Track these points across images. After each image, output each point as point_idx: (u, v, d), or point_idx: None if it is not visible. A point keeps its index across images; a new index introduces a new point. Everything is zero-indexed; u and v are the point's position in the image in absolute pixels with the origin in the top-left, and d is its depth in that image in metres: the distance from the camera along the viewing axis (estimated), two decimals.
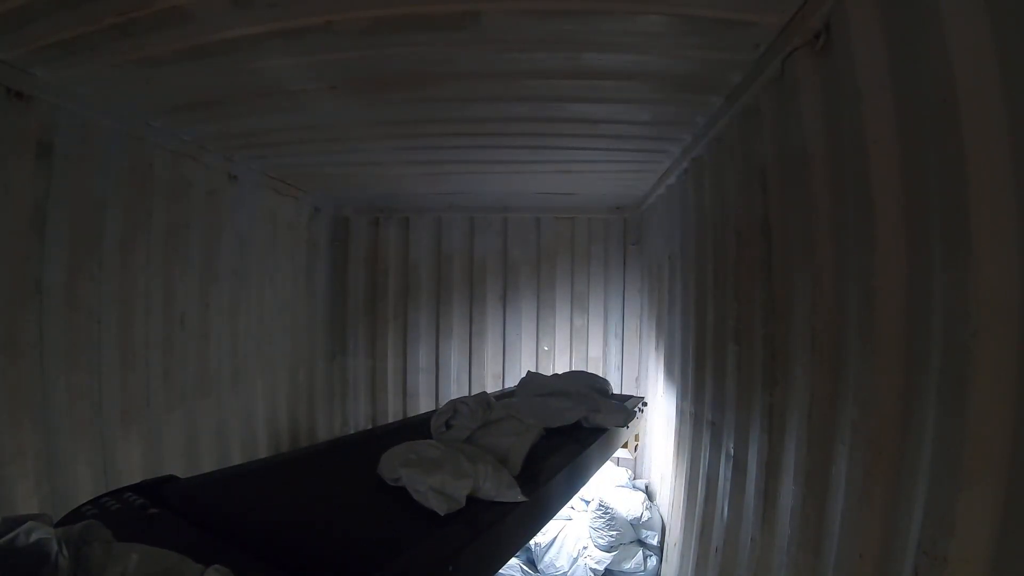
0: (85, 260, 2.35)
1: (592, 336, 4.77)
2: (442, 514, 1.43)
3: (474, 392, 3.41)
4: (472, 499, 1.53)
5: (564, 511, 3.38)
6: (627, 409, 2.94)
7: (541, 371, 4.18)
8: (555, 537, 3.65)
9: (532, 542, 3.58)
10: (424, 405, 4.73)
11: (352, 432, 4.72)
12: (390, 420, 4.73)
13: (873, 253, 1.33)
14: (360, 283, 4.92)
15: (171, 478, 1.66)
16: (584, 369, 4.30)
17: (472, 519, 1.49)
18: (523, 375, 3.41)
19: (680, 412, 3.21)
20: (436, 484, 1.47)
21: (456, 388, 4.78)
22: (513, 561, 3.49)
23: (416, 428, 2.11)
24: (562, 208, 4.65)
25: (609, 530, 3.57)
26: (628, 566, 3.58)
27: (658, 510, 3.76)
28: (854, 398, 1.40)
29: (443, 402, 2.20)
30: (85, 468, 2.30)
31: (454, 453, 1.66)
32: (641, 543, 3.66)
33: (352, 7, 1.73)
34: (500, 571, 1.89)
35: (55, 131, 2.16)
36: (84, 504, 1.43)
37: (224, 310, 3.34)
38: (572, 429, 2.50)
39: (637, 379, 4.64)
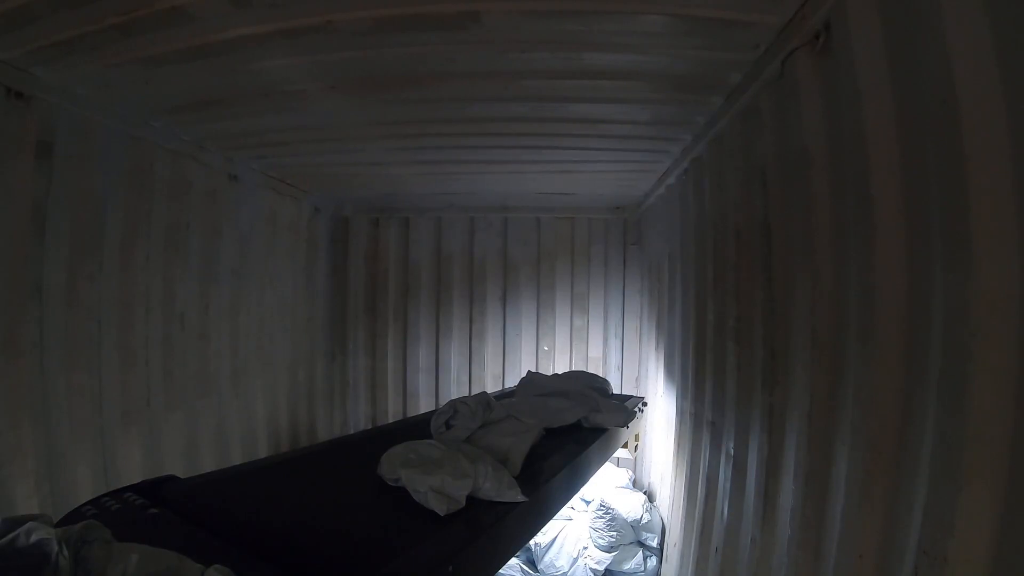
0: (85, 260, 2.35)
1: (592, 336, 4.76)
2: (442, 514, 1.43)
3: (474, 392, 3.41)
4: (472, 499, 1.53)
5: (564, 511, 3.38)
6: (627, 409, 2.94)
7: (541, 371, 4.18)
8: (555, 537, 3.65)
9: (532, 542, 3.57)
10: (424, 405, 4.73)
11: (352, 432, 4.72)
12: (390, 420, 4.74)
13: (873, 253, 1.33)
14: (360, 283, 4.92)
15: (171, 478, 1.66)
16: (584, 369, 4.30)
17: (472, 519, 1.49)
18: (523, 375, 3.41)
19: (680, 412, 3.21)
20: (436, 484, 1.47)
21: (456, 388, 4.78)
22: (513, 561, 3.49)
23: (416, 428, 2.10)
24: (562, 208, 4.65)
25: (609, 530, 3.57)
26: (628, 566, 3.58)
27: (658, 512, 3.76)
28: (854, 398, 1.40)
29: (443, 402, 2.19)
30: (85, 468, 2.31)
31: (454, 453, 1.66)
32: (641, 544, 3.66)
33: (352, 7, 1.73)
34: (500, 571, 1.89)
35: (55, 131, 2.16)
36: (84, 504, 1.43)
37: (224, 310, 3.34)
38: (572, 429, 2.50)
39: (637, 379, 4.64)
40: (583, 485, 2.46)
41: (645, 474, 4.28)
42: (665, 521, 3.60)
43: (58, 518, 1.22)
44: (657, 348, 3.96)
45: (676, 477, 3.25)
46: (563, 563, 3.60)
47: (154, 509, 1.40)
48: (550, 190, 4.21)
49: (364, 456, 1.75)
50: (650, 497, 3.97)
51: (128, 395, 2.58)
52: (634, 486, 4.21)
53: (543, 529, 3.18)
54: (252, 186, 3.55)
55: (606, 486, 3.85)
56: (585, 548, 3.62)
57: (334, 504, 1.53)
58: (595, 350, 4.77)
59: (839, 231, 1.52)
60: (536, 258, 4.77)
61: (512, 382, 4.23)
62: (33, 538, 0.95)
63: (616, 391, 3.84)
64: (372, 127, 2.82)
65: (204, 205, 3.09)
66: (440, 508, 1.43)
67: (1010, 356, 1.00)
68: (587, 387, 2.96)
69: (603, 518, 3.60)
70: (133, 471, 2.46)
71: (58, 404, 2.21)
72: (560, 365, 4.69)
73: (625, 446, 3.34)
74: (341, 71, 2.16)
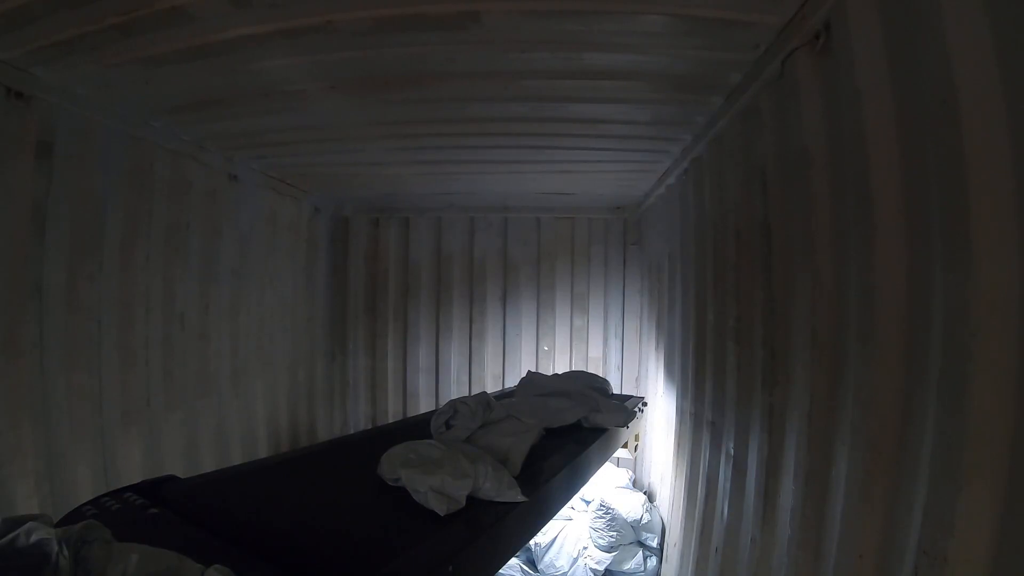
0: (85, 260, 2.35)
1: (592, 336, 4.77)
2: (442, 514, 1.43)
3: (474, 392, 3.41)
4: (472, 499, 1.53)
5: (564, 511, 3.38)
6: (627, 409, 2.94)
7: (541, 371, 4.18)
8: (555, 537, 3.65)
9: (532, 542, 3.57)
10: (424, 405, 4.73)
11: (352, 432, 4.72)
12: (390, 420, 4.74)
13: (873, 253, 1.33)
14: (360, 283, 4.93)
15: (171, 478, 1.66)
16: (584, 369, 4.30)
17: (472, 519, 1.49)
18: (523, 375, 3.41)
19: (680, 412, 3.21)
20: (436, 484, 1.47)
21: (456, 388, 4.78)
22: (513, 561, 3.49)
23: (416, 428, 2.10)
24: (562, 208, 4.65)
25: (609, 530, 3.57)
26: (628, 566, 3.58)
27: (658, 512, 3.76)
28: (854, 398, 1.40)
29: (443, 402, 2.19)
30: (85, 468, 2.30)
31: (454, 453, 1.66)
32: (641, 544, 3.66)
33: (352, 7, 1.73)
34: (500, 571, 1.89)
35: (55, 131, 2.16)
36: (84, 504, 1.43)
37: (224, 310, 3.34)
38: (572, 429, 2.50)
39: (637, 379, 4.64)
40: (583, 485, 2.46)
41: (645, 474, 4.28)
42: (665, 521, 3.60)
43: (58, 518, 1.22)
44: (657, 348, 3.96)
45: (676, 477, 3.25)
46: (563, 563, 3.60)
47: (154, 509, 1.40)
48: (550, 190, 4.21)
49: (364, 456, 1.75)
50: (650, 497, 3.97)
51: (128, 395, 2.58)
52: (634, 486, 4.21)
53: (543, 529, 3.18)
54: (252, 186, 3.55)
55: (606, 486, 3.85)
56: (585, 548, 3.62)
57: (334, 504, 1.53)
58: (595, 350, 4.77)
59: (839, 231, 1.52)
60: (536, 258, 4.77)
61: (512, 382, 4.22)
62: (33, 538, 0.95)
63: (616, 391, 3.84)
64: (372, 127, 2.82)
65: (204, 205, 3.09)
66: (440, 508, 1.43)
67: (1010, 356, 1.00)
68: (587, 387, 2.96)
69: (603, 518, 3.60)
70: (133, 471, 2.46)
71: (58, 404, 2.21)
72: (560, 365, 4.69)
73: (625, 446, 3.34)
74: (341, 71, 2.16)
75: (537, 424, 2.12)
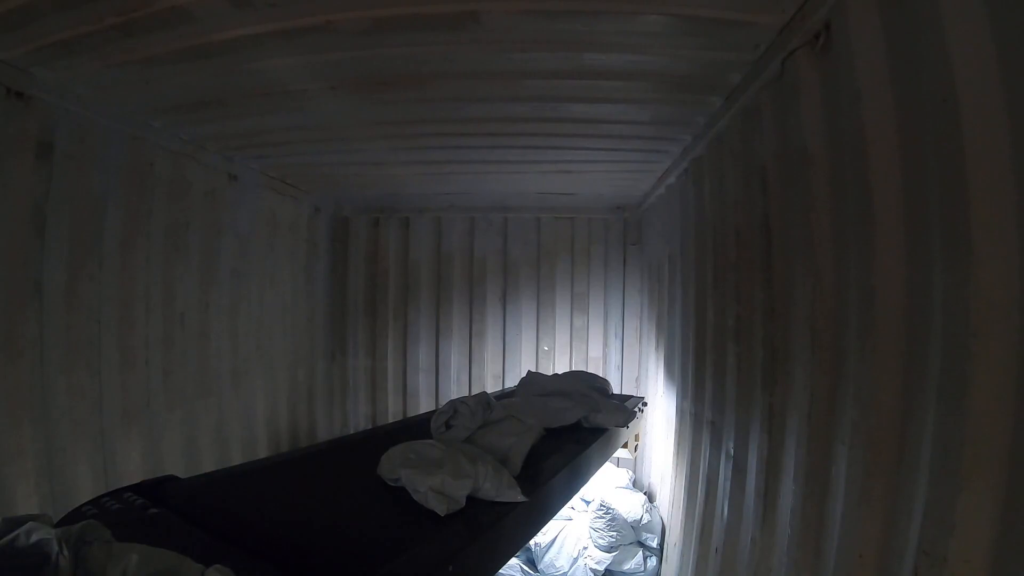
0: (85, 260, 2.35)
1: (592, 336, 4.77)
2: (442, 514, 1.43)
3: (474, 392, 3.41)
4: (472, 499, 1.53)
5: (564, 511, 3.38)
6: (627, 409, 2.93)
7: (541, 371, 4.18)
8: (555, 537, 3.65)
9: (532, 542, 3.57)
10: (424, 405, 4.74)
11: (352, 432, 4.72)
12: (390, 420, 4.73)
13: (873, 253, 1.33)
14: (360, 283, 4.93)
15: (171, 478, 1.66)
16: (584, 369, 4.30)
17: (472, 519, 1.49)
18: (523, 375, 3.41)
19: (680, 412, 3.21)
20: (436, 485, 1.47)
21: (456, 388, 4.78)
22: (513, 561, 3.49)
23: (416, 428, 2.10)
24: (562, 208, 4.65)
25: (609, 530, 3.57)
26: (628, 566, 3.58)
27: (658, 512, 3.76)
28: (854, 398, 1.40)
29: (443, 402, 2.19)
30: (85, 468, 2.31)
31: (454, 453, 1.66)
32: (641, 544, 3.66)
33: (352, 7, 1.73)
34: (500, 571, 1.89)
35: (55, 131, 2.16)
36: (84, 504, 1.43)
37: (224, 310, 3.34)
38: (572, 429, 2.50)
39: (637, 379, 4.64)
40: (583, 485, 2.45)
41: (645, 474, 4.28)
42: (665, 521, 3.60)
43: (58, 518, 1.22)
44: (657, 348, 3.96)
45: (676, 477, 3.25)
46: (563, 563, 3.60)
47: (154, 509, 1.40)
48: (550, 190, 4.21)
49: (364, 456, 1.75)
50: (650, 497, 3.97)
51: (128, 395, 2.58)
52: (634, 486, 4.21)
53: (543, 529, 3.18)
54: (252, 186, 3.55)
55: (606, 486, 3.85)
56: (585, 548, 3.62)
57: (334, 504, 1.53)
58: (595, 350, 4.77)
59: (839, 231, 1.52)
60: (536, 258, 4.77)
61: (512, 382, 4.22)
62: (33, 538, 0.95)
63: (616, 391, 3.84)
64: (372, 127, 2.82)
65: (204, 205, 3.09)
66: (440, 508, 1.43)
67: (1010, 356, 1.00)
68: (587, 387, 2.95)
69: (603, 518, 3.60)
70: (133, 471, 2.46)
71: (58, 404, 2.21)
72: (560, 365, 4.69)
73: (625, 446, 3.34)
74: (341, 71, 2.16)
75: (537, 424, 2.12)
